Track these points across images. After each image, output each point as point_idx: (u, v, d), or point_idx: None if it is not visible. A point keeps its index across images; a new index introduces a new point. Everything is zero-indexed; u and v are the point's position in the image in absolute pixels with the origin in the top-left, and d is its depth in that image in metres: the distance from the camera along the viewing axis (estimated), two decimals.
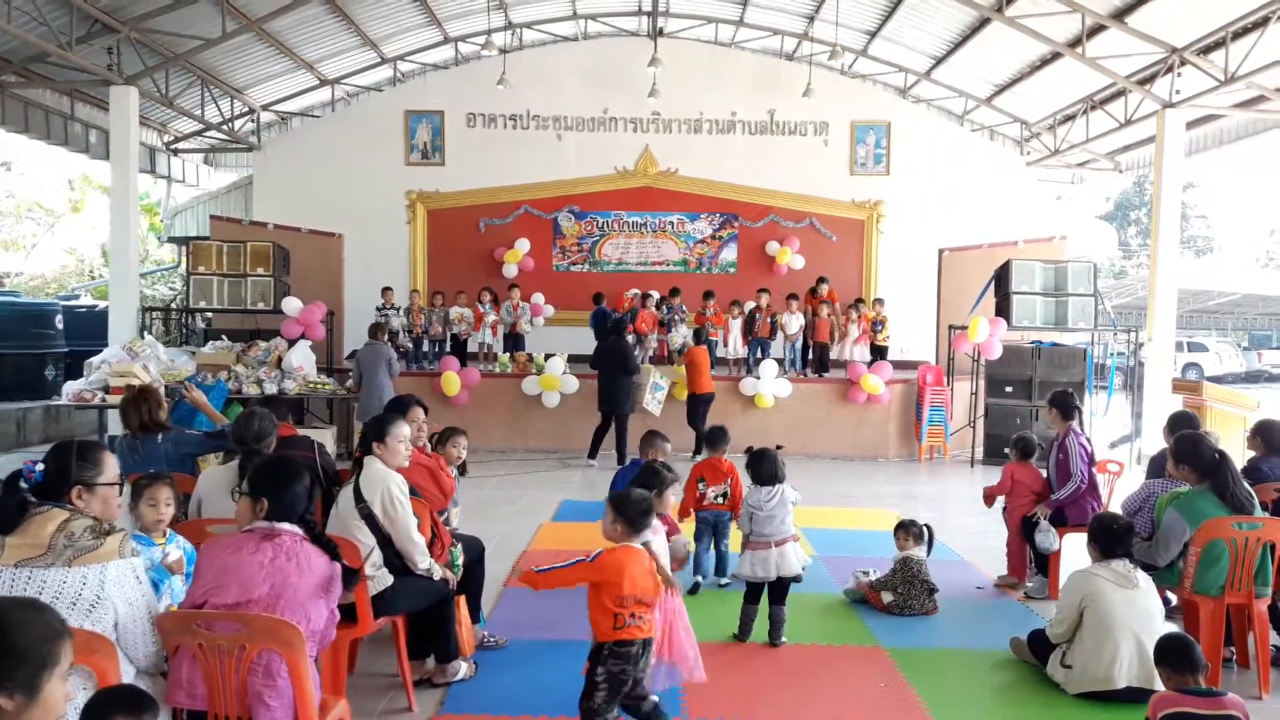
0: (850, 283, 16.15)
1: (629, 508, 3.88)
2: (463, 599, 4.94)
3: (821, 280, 14.41)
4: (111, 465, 3.18)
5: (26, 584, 2.81)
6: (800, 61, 16.88)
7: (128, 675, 2.85)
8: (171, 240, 19.87)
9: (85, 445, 3.20)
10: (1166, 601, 5.28)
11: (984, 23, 13.85)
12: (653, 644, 3.88)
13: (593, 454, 11.59)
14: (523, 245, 16.31)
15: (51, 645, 2.07)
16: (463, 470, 5.62)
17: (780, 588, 5.36)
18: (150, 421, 5.36)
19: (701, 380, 11.84)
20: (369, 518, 4.36)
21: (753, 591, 5.42)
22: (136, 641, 2.96)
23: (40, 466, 3.08)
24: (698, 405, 11.83)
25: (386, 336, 11.42)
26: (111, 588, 2.88)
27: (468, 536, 5.39)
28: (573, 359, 13.02)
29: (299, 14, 13.61)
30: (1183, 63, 12.32)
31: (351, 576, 3.32)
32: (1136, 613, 4.62)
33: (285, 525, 3.33)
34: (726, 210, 16.75)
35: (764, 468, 5.50)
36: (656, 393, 12.10)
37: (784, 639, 5.36)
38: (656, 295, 14.35)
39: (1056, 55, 13.90)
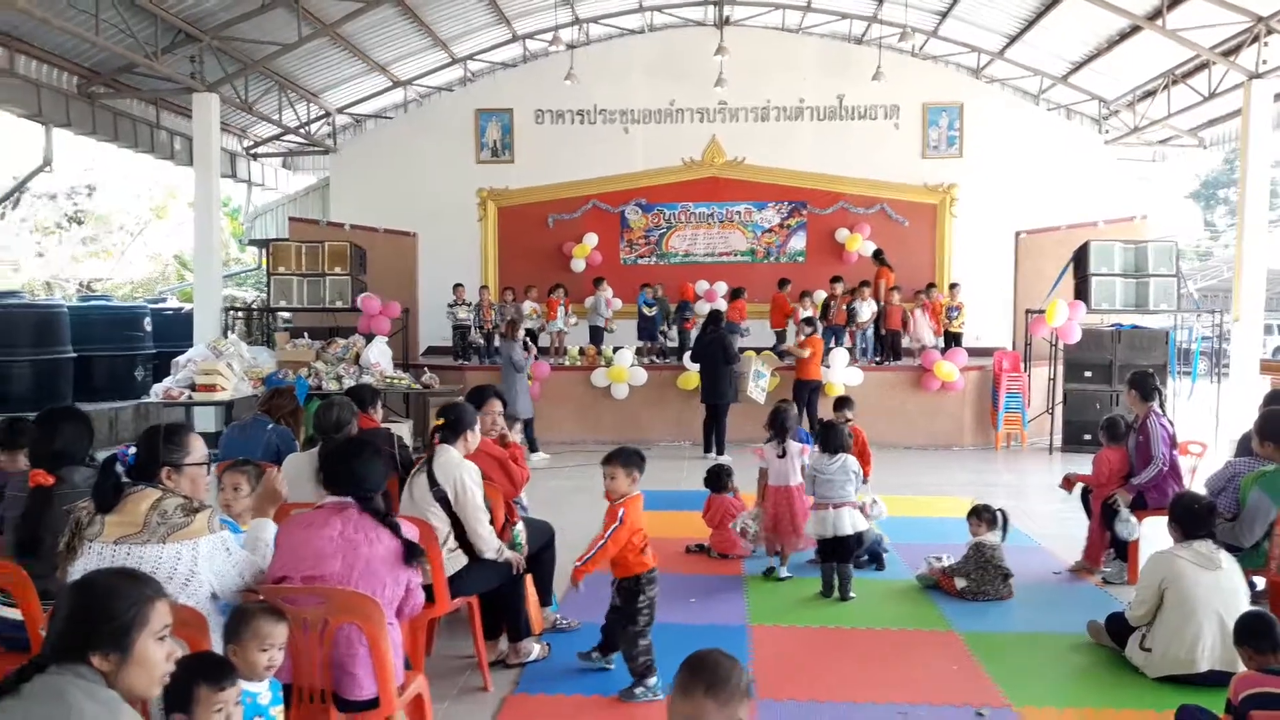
0: (923, 268, 15.93)
1: (631, 458, 4.57)
2: (530, 579, 5.02)
3: (877, 253, 14.33)
4: (198, 447, 3.33)
5: (125, 560, 2.97)
6: (869, 44, 16.67)
7: (219, 648, 2.99)
8: (252, 243, 20.47)
9: (172, 428, 3.36)
10: (1252, 586, 5.13)
11: None
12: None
13: (708, 447, 11.50)
14: (590, 240, 16.43)
15: (141, 607, 2.19)
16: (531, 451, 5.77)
17: (840, 547, 5.95)
18: (290, 413, 6.02)
19: (810, 367, 11.71)
20: (443, 500, 4.48)
21: (821, 549, 6.06)
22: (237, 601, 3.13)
23: (133, 450, 3.25)
24: (803, 392, 11.72)
25: (520, 333, 11.35)
26: (203, 563, 3.03)
27: (537, 520, 5.49)
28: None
29: (371, 17, 13.91)
30: (1269, 31, 11.88)
31: (414, 552, 3.41)
32: (1220, 594, 4.50)
33: (350, 502, 3.45)
34: (795, 198, 16.63)
35: (831, 438, 6.16)
36: (759, 380, 12.00)
37: (853, 594, 5.92)
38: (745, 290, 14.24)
39: (1135, 29, 13.50)
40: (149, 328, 14.61)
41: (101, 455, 3.72)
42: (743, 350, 12.18)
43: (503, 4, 15.53)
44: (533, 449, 11.13)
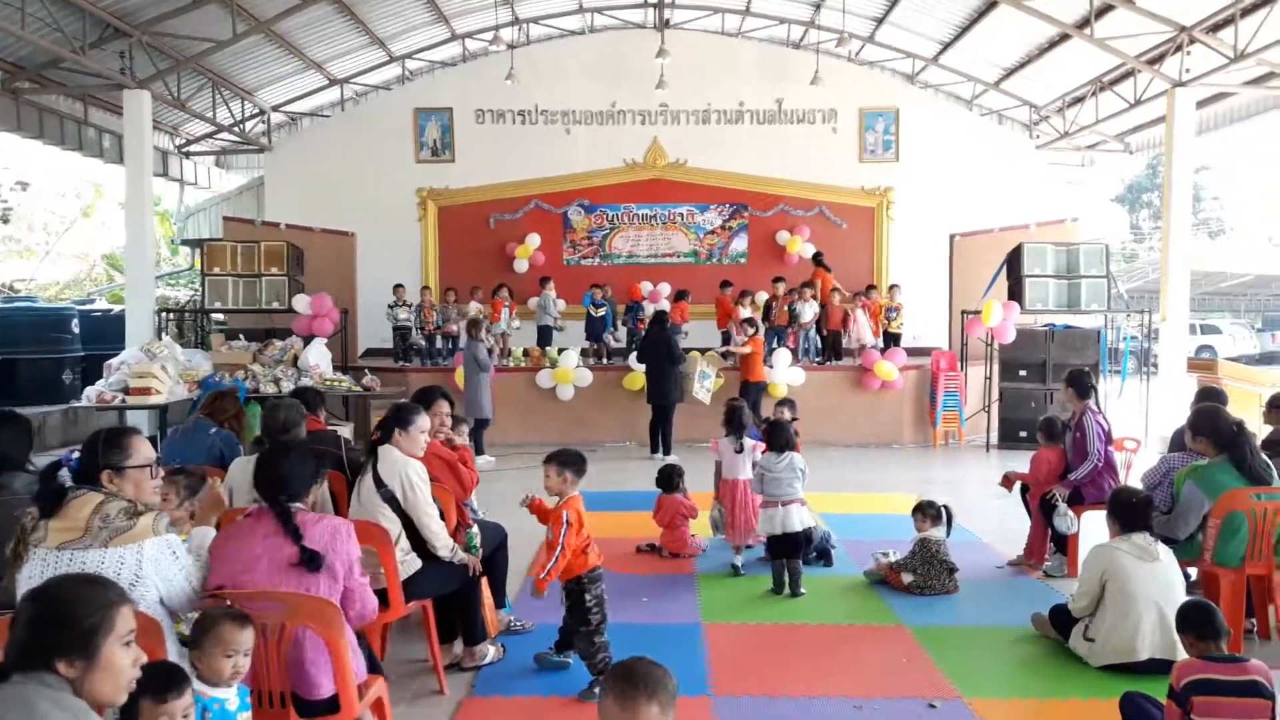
0: (862, 270, 16.16)
1: (572, 460, 4.62)
2: (485, 581, 5.00)
3: (816, 255, 14.57)
4: (141, 449, 3.23)
5: (68, 566, 2.89)
6: (807, 49, 16.87)
7: (173, 654, 2.92)
8: (185, 243, 19.99)
9: (114, 431, 3.28)
10: (1186, 576, 5.31)
11: (991, 5, 13.84)
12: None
13: (654, 448, 11.52)
14: (533, 240, 16.36)
15: (105, 612, 2.14)
16: (478, 453, 5.76)
17: (790, 543, 6.06)
18: (234, 416, 5.96)
19: (753, 368, 11.80)
20: (391, 501, 4.44)
21: (771, 547, 6.14)
22: (186, 608, 3.05)
23: (76, 455, 3.16)
24: (749, 393, 11.74)
25: (482, 333, 11.40)
26: (149, 566, 2.96)
27: (489, 523, 5.45)
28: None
29: (307, 14, 13.68)
30: (1192, 41, 12.30)
31: (311, 561, 3.27)
32: (1158, 585, 4.65)
33: (269, 505, 3.40)
34: (736, 200, 16.77)
35: (777, 436, 6.30)
36: (704, 381, 12.06)
37: (803, 590, 6.01)
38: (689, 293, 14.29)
39: (1065, 37, 13.87)
40: (77, 330, 14.15)
41: (40, 461, 3.63)
42: (688, 351, 12.24)
43: (441, 3, 15.38)
44: (478, 451, 11.05)
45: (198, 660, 2.86)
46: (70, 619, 2.11)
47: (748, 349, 11.76)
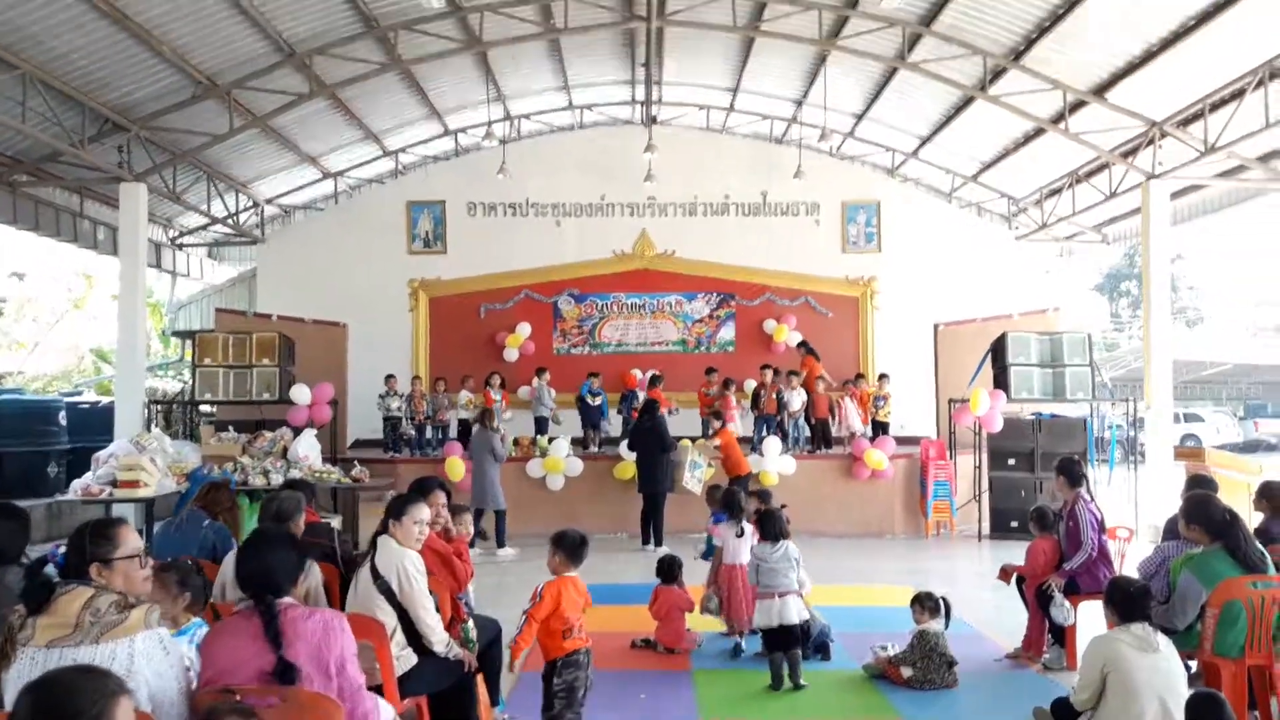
0: (847, 359, 16.31)
1: (566, 542, 4.76)
2: (481, 678, 4.91)
3: (802, 343, 14.72)
4: (129, 540, 3.20)
5: (58, 664, 2.83)
6: (790, 144, 17.32)
7: None
8: (176, 334, 20.02)
9: (101, 523, 3.26)
10: (1187, 668, 5.27)
11: (968, 101, 14.29)
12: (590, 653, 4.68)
13: (645, 539, 11.45)
14: (524, 329, 16.48)
15: (105, 702, 2.12)
16: (500, 545, 5.79)
17: (788, 636, 5.97)
18: (228, 509, 5.90)
19: (733, 461, 11.80)
20: (387, 593, 4.39)
21: (768, 641, 6.06)
22: (169, 712, 2.97)
23: (62, 550, 3.13)
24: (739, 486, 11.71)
25: (494, 424, 11.48)
26: (140, 660, 2.90)
27: (484, 617, 5.39)
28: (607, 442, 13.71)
29: (302, 110, 13.97)
30: (1163, 135, 12.70)
31: (284, 675, 3.16)
32: (1160, 676, 4.60)
33: (255, 604, 3.32)
34: (723, 290, 16.99)
35: (770, 525, 6.26)
36: (695, 471, 12.03)
37: (804, 682, 5.93)
38: (663, 378, 14.36)
39: (1040, 131, 14.30)
40: (64, 422, 14.06)
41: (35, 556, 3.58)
42: (679, 439, 12.24)
43: (435, 99, 15.78)
44: (501, 543, 10.97)
45: None
46: (70, 711, 2.08)
47: (717, 441, 11.82)
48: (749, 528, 6.70)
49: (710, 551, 7.53)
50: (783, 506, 6.89)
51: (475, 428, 11.91)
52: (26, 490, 12.76)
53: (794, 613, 6.00)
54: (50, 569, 3.08)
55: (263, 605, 3.27)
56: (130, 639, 2.91)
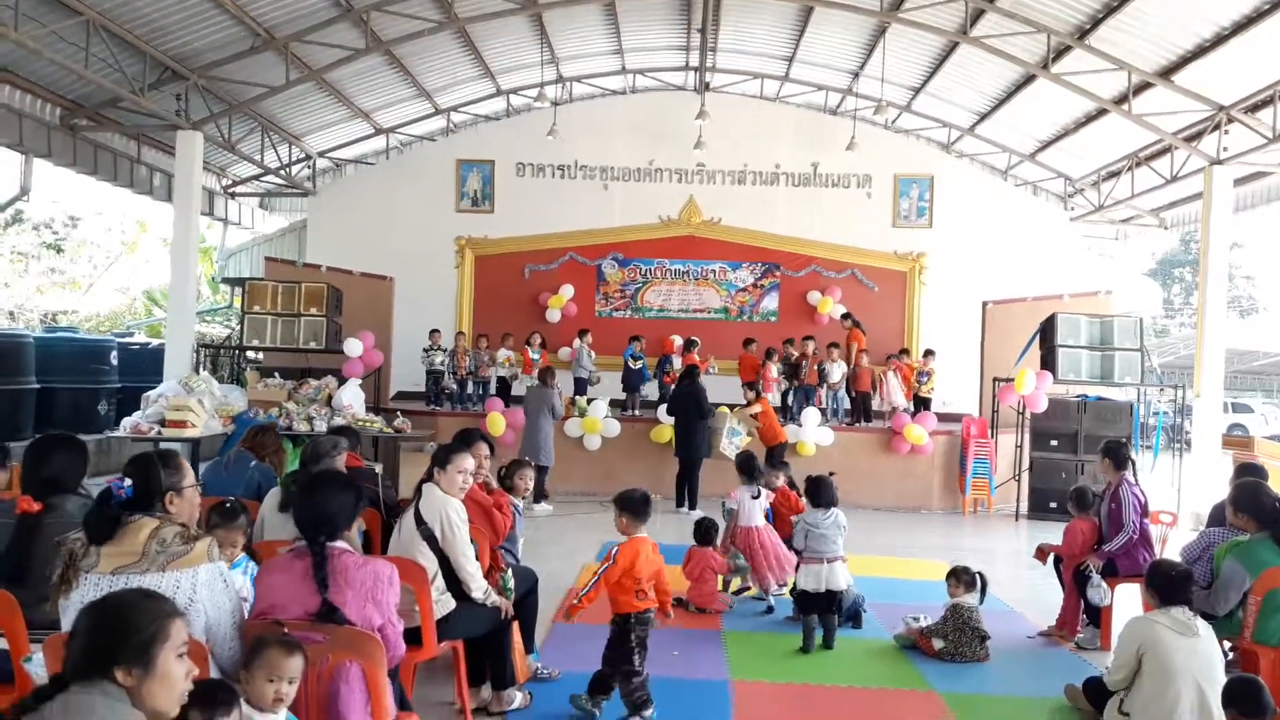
0: (893, 334, 16.18)
1: (629, 503, 4.79)
2: (516, 627, 4.99)
3: (847, 315, 14.63)
4: (189, 469, 3.33)
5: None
6: (844, 115, 17.12)
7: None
8: (225, 281, 20.34)
9: (165, 454, 3.35)
10: (1226, 654, 5.22)
11: (1029, 79, 14.01)
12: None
13: (679, 501, 11.54)
14: (567, 291, 16.52)
15: (162, 622, 2.21)
16: (537, 499, 5.85)
17: (830, 600, 6.09)
18: (274, 452, 6.03)
19: (771, 431, 11.83)
20: (430, 539, 4.47)
21: (807, 604, 6.12)
22: (223, 643, 3.06)
23: (128, 483, 3.20)
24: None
25: (553, 382, 11.70)
26: (203, 590, 3.00)
27: (521, 568, 5.47)
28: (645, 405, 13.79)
29: (358, 65, 14.05)
30: (1229, 120, 12.38)
31: (327, 614, 3.24)
32: (1198, 660, 4.56)
33: (308, 543, 3.39)
34: (768, 260, 16.89)
35: (822, 493, 6.36)
36: (734, 437, 12.05)
37: (835, 644, 6.07)
38: (699, 341, 14.38)
39: (1102, 111, 14.00)
40: (115, 362, 14.37)
41: (93, 488, 3.69)
42: (716, 406, 12.25)
43: (489, 59, 15.78)
44: (540, 497, 11.12)
45: (245, 683, 2.89)
46: (129, 628, 2.17)
47: (757, 408, 11.83)
48: (765, 491, 6.87)
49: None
50: (831, 474, 6.89)
51: (532, 384, 12.15)
52: (77, 426, 13.07)
53: (841, 578, 6.11)
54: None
55: (315, 547, 3.35)
56: (194, 569, 3.00)
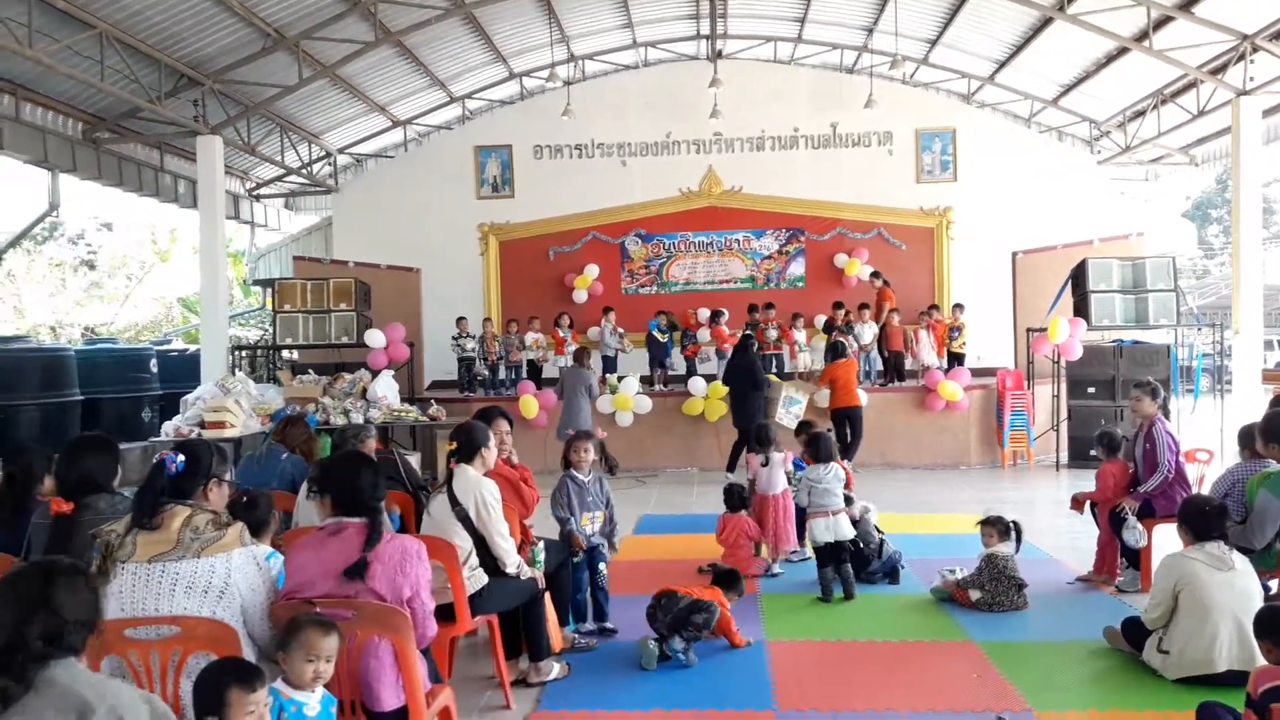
0: (922, 290, 16.03)
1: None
2: (549, 599, 5.04)
3: (875, 274, 14.52)
4: (230, 464, 3.45)
5: (161, 577, 3.02)
6: (861, 73, 16.91)
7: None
8: (256, 283, 20.61)
9: (216, 444, 3.53)
10: (1266, 588, 5.16)
11: (1046, 22, 13.74)
12: None
13: (730, 467, 11.60)
14: (591, 271, 16.53)
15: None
16: (612, 470, 5.93)
17: (840, 551, 6.25)
18: (305, 442, 6.10)
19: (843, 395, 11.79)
20: (464, 520, 4.53)
21: (822, 556, 6.30)
22: (258, 624, 3.15)
23: (181, 458, 3.29)
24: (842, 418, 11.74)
25: (589, 361, 11.89)
26: (237, 574, 3.09)
27: (555, 541, 5.52)
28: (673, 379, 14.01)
29: (370, 58, 14.12)
30: (1255, 49, 12.08)
31: (355, 570, 3.31)
32: (1234, 594, 4.53)
33: (350, 519, 3.45)
34: (792, 225, 16.77)
35: (821, 448, 6.56)
36: (791, 407, 12.06)
37: (855, 593, 6.25)
38: (726, 314, 14.36)
39: (1123, 50, 13.71)
40: (155, 369, 14.67)
41: (125, 491, 3.79)
42: (788, 376, 12.35)
43: (499, 43, 15.77)
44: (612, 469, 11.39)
45: (284, 663, 2.97)
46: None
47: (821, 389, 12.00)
48: (776, 457, 6.97)
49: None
50: (830, 429, 7.11)
51: (568, 365, 12.31)
52: (123, 434, 13.33)
53: (847, 528, 6.29)
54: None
55: (369, 514, 3.43)
56: (228, 554, 3.09)
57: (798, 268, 16.82)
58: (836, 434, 11.44)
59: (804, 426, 8.46)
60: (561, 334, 14.03)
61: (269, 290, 16.59)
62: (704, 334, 14.42)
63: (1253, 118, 12.52)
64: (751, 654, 5.24)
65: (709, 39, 16.27)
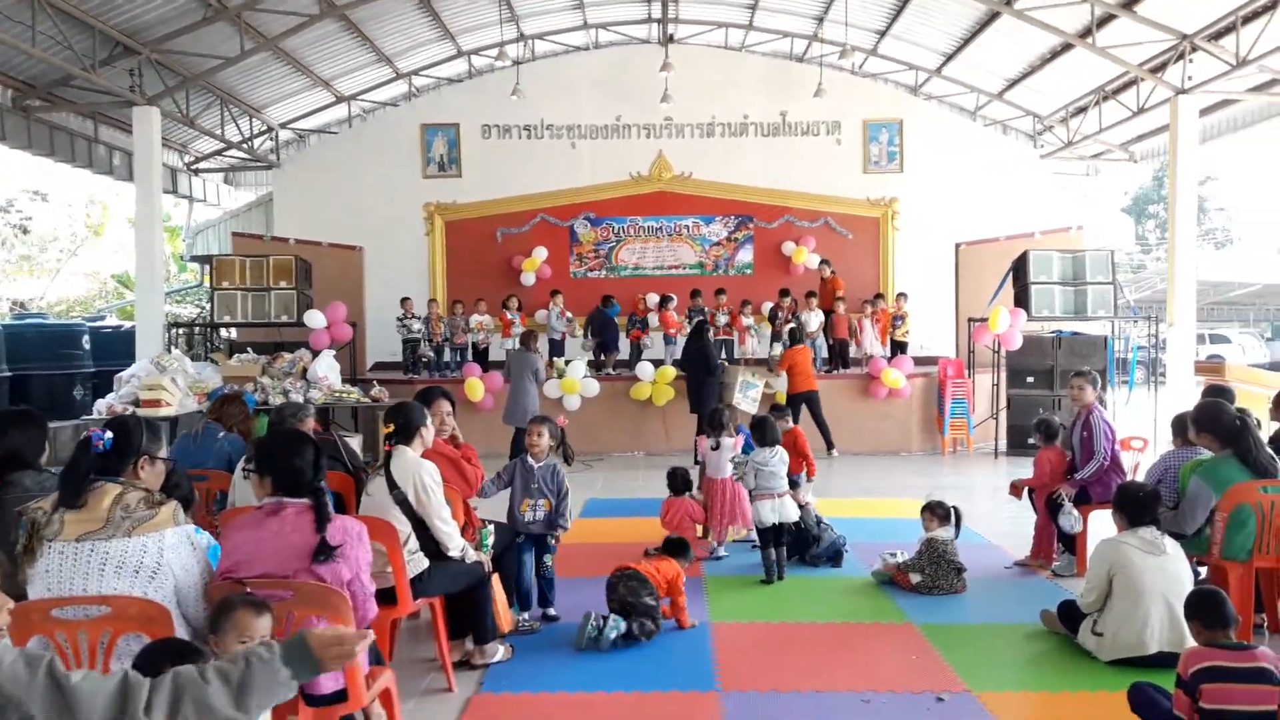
0: (868, 279, 16.18)
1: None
2: (497, 580, 4.99)
3: (824, 262, 14.65)
4: (164, 443, 3.33)
5: (90, 556, 2.92)
6: (811, 63, 16.96)
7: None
8: (194, 259, 20.12)
9: (148, 421, 3.38)
10: (1195, 573, 5.29)
11: (993, 16, 13.90)
12: None
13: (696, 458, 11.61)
14: (540, 253, 16.41)
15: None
16: (568, 460, 5.80)
17: (780, 534, 6.41)
18: (242, 420, 5.95)
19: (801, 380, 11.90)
20: (403, 503, 4.45)
21: (764, 537, 6.39)
22: (191, 604, 3.06)
23: (109, 435, 3.17)
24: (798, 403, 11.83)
25: (535, 345, 11.61)
26: (170, 554, 2.99)
27: (504, 524, 5.47)
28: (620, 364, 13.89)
29: (314, 32, 13.78)
30: (1194, 49, 12.34)
31: (323, 552, 3.25)
32: (1166, 578, 4.64)
33: (289, 499, 3.37)
34: (741, 212, 16.82)
35: (767, 432, 6.58)
36: (748, 391, 12.09)
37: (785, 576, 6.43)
38: (675, 299, 14.39)
39: (1067, 46, 13.93)
40: (87, 346, 14.24)
41: (53, 469, 3.66)
42: (735, 361, 12.35)
43: (447, 20, 15.52)
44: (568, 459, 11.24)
45: (215, 644, 2.89)
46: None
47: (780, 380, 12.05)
48: (726, 441, 6.96)
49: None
50: (774, 412, 7.27)
51: (514, 348, 12.12)
52: (53, 412, 12.94)
53: (791, 510, 6.39)
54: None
55: (313, 495, 3.35)
56: (160, 534, 3.00)
57: (746, 255, 16.88)
58: (794, 418, 11.55)
59: (779, 411, 8.68)
60: (510, 316, 13.91)
61: (207, 267, 16.20)
62: (653, 319, 14.40)
63: (1190, 116, 12.81)
64: (695, 635, 5.25)
65: (660, 23, 16.20)
